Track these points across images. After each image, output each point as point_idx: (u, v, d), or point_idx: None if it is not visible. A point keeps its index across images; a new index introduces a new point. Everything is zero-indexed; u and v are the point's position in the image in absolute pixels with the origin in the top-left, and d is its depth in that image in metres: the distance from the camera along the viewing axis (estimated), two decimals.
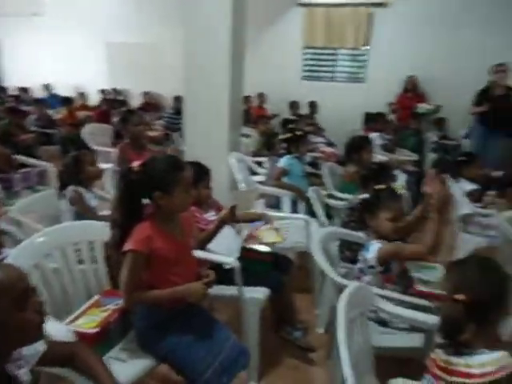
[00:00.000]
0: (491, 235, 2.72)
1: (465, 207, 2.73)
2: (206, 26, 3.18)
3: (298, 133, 3.12)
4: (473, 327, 0.99)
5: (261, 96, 6.55)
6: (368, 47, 6.20)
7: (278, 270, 2.02)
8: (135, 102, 7.45)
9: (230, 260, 1.81)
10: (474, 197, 2.78)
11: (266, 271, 1.96)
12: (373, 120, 4.92)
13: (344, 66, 6.64)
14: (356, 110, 5.61)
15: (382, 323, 1.70)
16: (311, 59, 6.72)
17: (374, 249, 1.70)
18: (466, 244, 2.74)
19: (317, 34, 6.36)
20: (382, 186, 1.89)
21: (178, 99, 5.77)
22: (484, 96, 4.69)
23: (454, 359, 1.03)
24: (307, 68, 6.75)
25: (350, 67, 6.63)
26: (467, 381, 0.99)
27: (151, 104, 7.22)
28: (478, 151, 4.86)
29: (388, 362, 1.49)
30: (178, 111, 5.48)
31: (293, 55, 6.63)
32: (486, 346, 1.01)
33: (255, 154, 4.19)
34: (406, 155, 4.53)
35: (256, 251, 1.96)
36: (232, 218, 1.81)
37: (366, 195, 2.13)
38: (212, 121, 3.29)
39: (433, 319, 1.43)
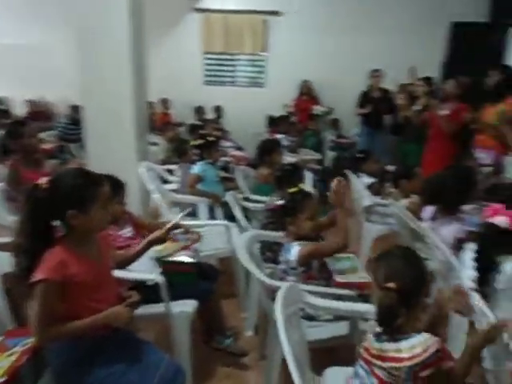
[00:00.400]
0: (390, 222, 3.04)
1: (366, 199, 3.01)
2: (99, 27, 2.98)
3: (211, 138, 3.11)
4: (404, 312, 1.10)
5: (164, 102, 6.37)
6: (266, 53, 6.45)
7: (203, 279, 1.98)
8: (18, 111, 6.64)
9: (153, 276, 1.73)
10: (374, 189, 3.08)
11: (192, 282, 1.91)
12: (276, 123, 5.13)
13: (244, 71, 6.81)
14: (258, 114, 5.80)
15: (309, 318, 1.77)
16: (212, 64, 6.75)
17: (294, 251, 1.77)
18: (369, 232, 3.01)
19: (215, 40, 6.41)
20: (295, 189, 1.97)
21: (75, 108, 5.28)
22: (365, 98, 5.27)
23: (386, 345, 1.12)
24: (209, 73, 6.76)
25: (249, 72, 6.82)
26: (398, 365, 1.08)
27: (39, 113, 6.51)
28: (369, 148, 5.45)
29: (319, 353, 1.57)
30: (74, 121, 5.05)
31: (194, 60, 6.59)
32: (414, 329, 1.11)
33: (164, 162, 4.07)
34: (309, 155, 4.83)
35: (177, 263, 1.89)
36: (164, 239, 1.65)
37: (281, 199, 2.23)
38: (116, 130, 3.11)
39: (356, 306, 1.54)
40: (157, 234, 1.63)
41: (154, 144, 4.38)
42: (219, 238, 2.44)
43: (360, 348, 1.21)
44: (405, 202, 2.58)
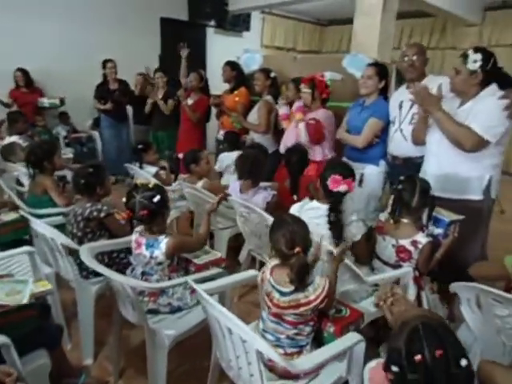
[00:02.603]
0: (179, 206, 3.26)
1: None
2: None
3: None
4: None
5: None
6: None
7: (43, 319, 1.61)
8: None
9: None
10: (159, 177, 3.18)
11: (36, 328, 1.53)
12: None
13: None
14: None
15: (176, 310, 1.82)
16: None
17: (162, 244, 1.74)
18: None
19: None
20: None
21: None
22: (101, 89, 5.13)
23: (295, 296, 1.38)
24: None
25: None
26: (308, 307, 1.38)
27: None
28: (111, 139, 5.38)
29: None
30: None
31: None
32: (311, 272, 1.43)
33: None
34: None
35: (12, 312, 1.46)
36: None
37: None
38: None
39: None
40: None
41: None
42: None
43: (268, 301, 1.42)
44: (200, 183, 2.86)
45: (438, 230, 2.02)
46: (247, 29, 7.44)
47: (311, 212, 1.98)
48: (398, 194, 1.96)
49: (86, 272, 2.05)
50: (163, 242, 1.75)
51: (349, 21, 4.42)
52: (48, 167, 2.56)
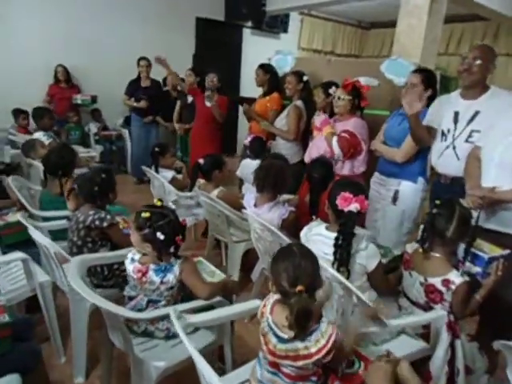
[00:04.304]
0: (196, 213, 3.10)
1: (172, 194, 2.95)
2: None
3: None
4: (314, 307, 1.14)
5: None
6: None
7: (20, 340, 1.47)
8: None
9: None
10: (176, 183, 3.04)
11: (9, 350, 1.39)
12: (34, 116, 4.17)
13: None
14: None
15: (172, 336, 1.63)
16: None
17: (175, 268, 1.58)
18: None
19: None
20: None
21: None
22: (134, 86, 5.07)
23: (294, 346, 1.14)
24: None
25: None
26: (309, 361, 1.14)
27: None
28: (140, 139, 5.30)
29: None
30: None
31: None
32: (316, 318, 1.17)
33: None
34: (82, 151, 4.23)
35: None
36: None
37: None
38: None
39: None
40: None
41: None
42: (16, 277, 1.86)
43: (265, 348, 1.19)
44: (215, 191, 2.68)
45: (477, 269, 1.71)
46: (285, 30, 7.21)
47: (318, 238, 1.73)
48: (432, 219, 1.67)
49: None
50: (177, 264, 1.58)
51: (392, 24, 4.10)
52: (62, 174, 2.46)
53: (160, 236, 1.51)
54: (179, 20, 6.16)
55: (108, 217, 1.95)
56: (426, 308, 1.67)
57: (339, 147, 2.60)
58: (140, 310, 1.60)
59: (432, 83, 2.52)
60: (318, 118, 2.78)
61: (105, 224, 1.93)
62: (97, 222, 1.93)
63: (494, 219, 1.85)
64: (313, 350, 1.12)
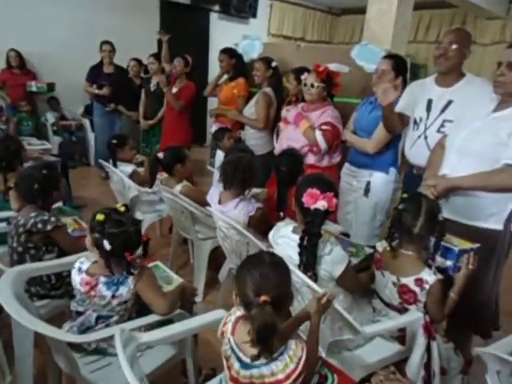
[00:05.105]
0: (159, 209, 2.91)
1: (132, 190, 2.74)
2: None
3: None
4: (280, 322, 1.00)
5: None
6: None
7: None
8: None
9: None
10: (136, 177, 2.81)
11: None
12: None
13: None
14: None
15: None
16: None
17: (130, 281, 1.40)
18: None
19: None
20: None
21: None
22: (96, 72, 4.74)
23: (259, 371, 1.01)
24: None
25: None
26: None
27: None
28: (103, 129, 4.97)
29: None
30: None
31: None
32: (283, 339, 1.03)
33: None
34: (34, 144, 3.92)
35: None
36: None
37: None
38: None
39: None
40: None
41: None
42: None
43: (230, 376, 1.05)
44: (178, 187, 2.48)
45: (448, 263, 1.62)
46: (253, 15, 6.98)
47: (285, 240, 1.59)
48: (398, 215, 1.55)
49: (28, 293, 1.70)
50: (131, 278, 1.40)
51: (363, 11, 3.98)
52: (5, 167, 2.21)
53: (106, 245, 1.33)
54: (143, 2, 5.82)
55: (52, 219, 1.73)
56: (401, 309, 1.57)
57: (325, 141, 2.46)
58: (89, 328, 1.42)
59: (403, 70, 2.42)
60: (291, 113, 2.61)
61: (48, 227, 1.71)
62: (39, 226, 1.71)
63: (448, 207, 1.73)
64: (280, 376, 0.99)
